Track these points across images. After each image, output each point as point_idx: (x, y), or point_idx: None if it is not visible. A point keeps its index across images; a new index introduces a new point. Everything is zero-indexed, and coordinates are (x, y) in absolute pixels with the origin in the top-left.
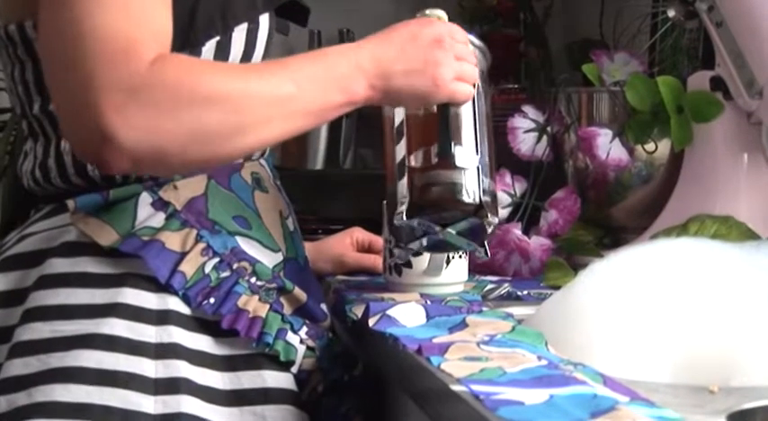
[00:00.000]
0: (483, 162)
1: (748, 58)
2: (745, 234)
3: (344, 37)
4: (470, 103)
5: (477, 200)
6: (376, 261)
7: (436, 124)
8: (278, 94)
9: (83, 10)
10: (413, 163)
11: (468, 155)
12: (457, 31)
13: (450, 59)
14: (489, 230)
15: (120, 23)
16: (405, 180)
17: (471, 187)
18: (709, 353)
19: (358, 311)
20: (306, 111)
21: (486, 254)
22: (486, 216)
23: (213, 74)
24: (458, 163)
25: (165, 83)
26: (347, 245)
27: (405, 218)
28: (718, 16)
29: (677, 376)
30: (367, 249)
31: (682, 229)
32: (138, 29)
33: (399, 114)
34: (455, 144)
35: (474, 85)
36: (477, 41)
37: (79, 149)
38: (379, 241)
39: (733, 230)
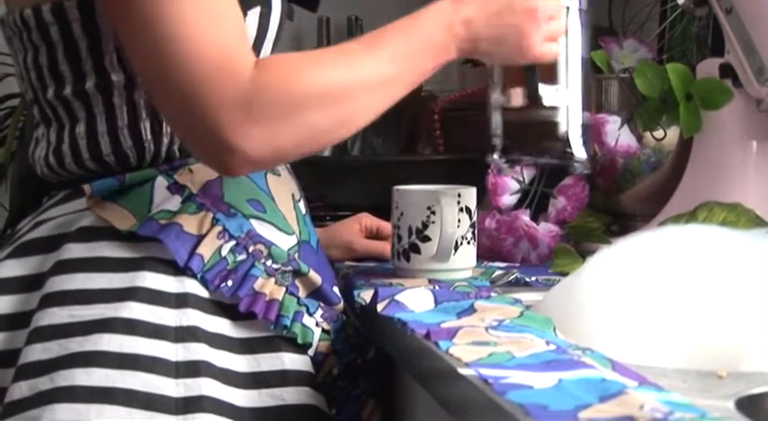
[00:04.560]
0: (573, 100)
1: (758, 46)
2: (754, 221)
3: (353, 24)
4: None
5: (565, 139)
6: (384, 247)
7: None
8: (381, 78)
9: (173, 22)
10: (507, 103)
11: (556, 94)
12: None
13: (540, 27)
14: (579, 171)
15: (214, 33)
16: (498, 117)
17: (560, 126)
18: (717, 338)
19: (366, 297)
20: (405, 86)
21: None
22: (572, 156)
23: (316, 69)
24: (545, 102)
25: (274, 89)
26: (356, 231)
27: (498, 155)
28: (727, 3)
29: (686, 361)
30: (375, 235)
31: (690, 217)
32: (229, 36)
33: None
34: (543, 84)
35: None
36: None
37: (200, 157)
38: (387, 227)
39: (741, 217)
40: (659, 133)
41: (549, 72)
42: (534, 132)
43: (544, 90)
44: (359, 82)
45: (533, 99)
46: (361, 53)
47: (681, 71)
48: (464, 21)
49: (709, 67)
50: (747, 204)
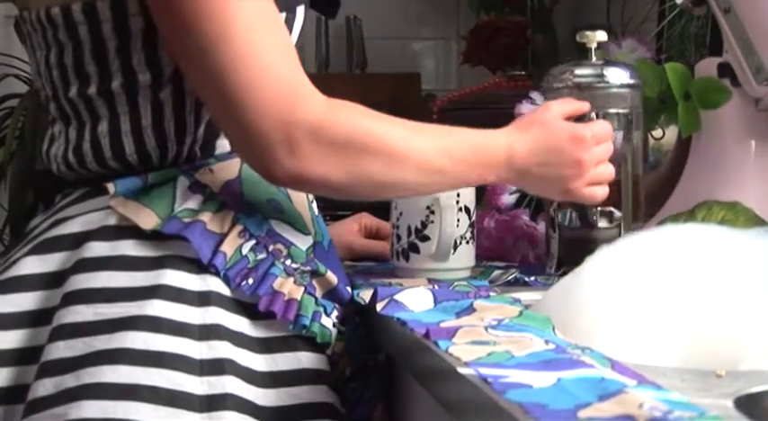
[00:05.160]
0: (625, 215)
1: (756, 45)
2: (753, 220)
3: (352, 24)
4: None
5: None
6: (384, 247)
7: None
8: (434, 164)
9: (247, 44)
10: (562, 221)
11: (606, 216)
12: (602, 131)
13: (585, 175)
14: None
15: (291, 61)
16: (556, 236)
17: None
18: (716, 337)
19: (366, 296)
20: (446, 183)
21: None
22: None
23: (384, 124)
24: (598, 224)
25: (347, 123)
26: (355, 231)
27: (553, 270)
28: (726, 2)
29: (684, 360)
30: (374, 235)
31: (689, 215)
32: (296, 59)
33: None
34: (592, 208)
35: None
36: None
37: (250, 163)
38: (386, 227)
39: (740, 216)
40: (658, 133)
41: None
42: (588, 250)
43: (597, 213)
44: (415, 155)
45: (585, 222)
46: (426, 133)
47: (679, 70)
48: (518, 155)
49: (707, 67)
50: (746, 203)
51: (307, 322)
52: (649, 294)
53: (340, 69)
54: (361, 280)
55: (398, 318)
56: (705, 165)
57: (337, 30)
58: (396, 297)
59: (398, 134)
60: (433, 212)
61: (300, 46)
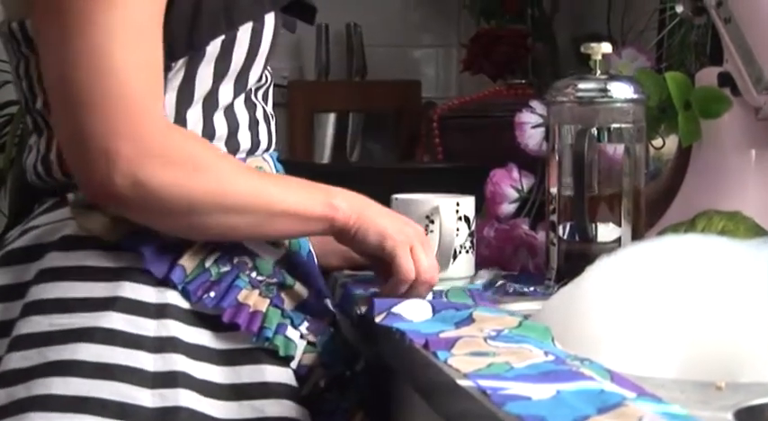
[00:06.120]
0: (626, 232)
1: (757, 55)
2: (753, 230)
3: (352, 31)
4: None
5: None
6: None
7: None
8: (264, 189)
9: (102, 45)
10: (562, 235)
11: (607, 230)
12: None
13: (413, 231)
14: None
15: (139, 69)
16: (555, 248)
17: None
18: (716, 349)
19: (365, 306)
20: (288, 212)
21: None
22: None
23: (219, 154)
24: (598, 239)
25: (179, 146)
26: None
27: (553, 283)
28: (726, 12)
29: (684, 372)
30: None
31: (689, 225)
32: (154, 79)
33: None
34: (593, 222)
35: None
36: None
37: (73, 172)
38: None
39: (740, 226)
40: (658, 142)
41: (602, 210)
42: (588, 262)
43: (597, 227)
44: (246, 179)
45: (583, 236)
46: (259, 171)
47: (679, 80)
48: (354, 194)
49: (707, 76)
50: (746, 212)
51: (270, 334)
52: (649, 305)
53: (340, 77)
54: (361, 289)
55: (397, 329)
56: (705, 174)
57: (337, 37)
58: (394, 309)
59: (232, 162)
60: (432, 221)
61: (296, 52)
